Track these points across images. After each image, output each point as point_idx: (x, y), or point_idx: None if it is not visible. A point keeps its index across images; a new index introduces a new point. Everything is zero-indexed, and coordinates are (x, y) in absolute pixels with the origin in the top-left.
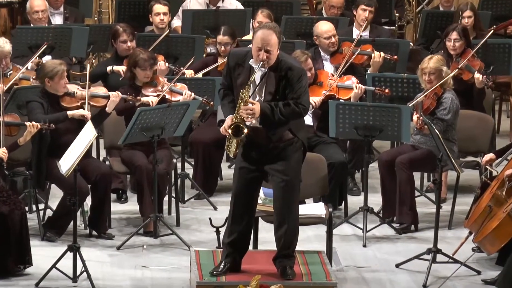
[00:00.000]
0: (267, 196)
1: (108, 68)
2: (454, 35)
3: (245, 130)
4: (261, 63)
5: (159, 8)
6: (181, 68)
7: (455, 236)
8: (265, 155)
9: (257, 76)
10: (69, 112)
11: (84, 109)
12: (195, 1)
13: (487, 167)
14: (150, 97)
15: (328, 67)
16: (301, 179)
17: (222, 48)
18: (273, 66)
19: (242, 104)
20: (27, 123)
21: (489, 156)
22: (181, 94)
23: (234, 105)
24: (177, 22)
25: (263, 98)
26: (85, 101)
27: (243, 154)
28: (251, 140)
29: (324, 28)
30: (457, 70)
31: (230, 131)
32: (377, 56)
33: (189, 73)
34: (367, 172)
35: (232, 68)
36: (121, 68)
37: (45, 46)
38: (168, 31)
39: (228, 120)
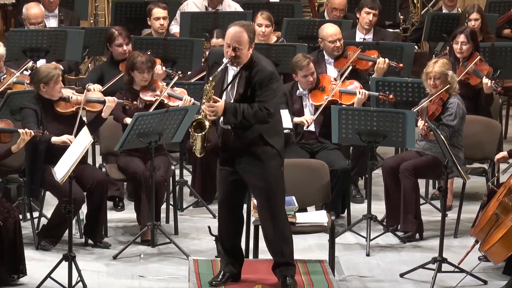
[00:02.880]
0: None
1: (87, 86)
2: (461, 38)
3: (207, 127)
4: (228, 60)
5: (158, 12)
6: (179, 72)
7: (461, 244)
8: (239, 157)
9: (230, 75)
10: (53, 139)
11: (79, 115)
12: (193, 4)
13: (501, 164)
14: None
15: (332, 71)
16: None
17: None
18: (245, 66)
19: (205, 100)
20: (20, 130)
21: (502, 154)
22: (180, 99)
23: None
24: (175, 28)
25: (232, 98)
26: (80, 106)
27: (220, 156)
28: (223, 142)
29: (329, 31)
30: (463, 74)
31: (191, 128)
32: (382, 63)
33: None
34: (371, 179)
35: (211, 67)
36: (94, 87)
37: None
38: (166, 35)
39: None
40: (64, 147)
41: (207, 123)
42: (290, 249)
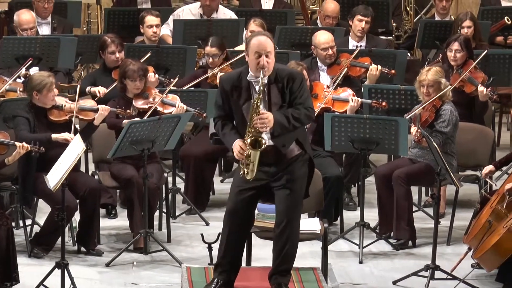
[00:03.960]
0: (261, 211)
1: (87, 89)
2: (455, 45)
3: (264, 141)
4: (262, 71)
5: (151, 20)
6: (171, 80)
7: (454, 252)
8: (272, 173)
9: (257, 88)
10: (53, 135)
11: (72, 123)
12: (188, 11)
13: (487, 180)
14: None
15: (325, 78)
16: (308, 194)
17: (210, 59)
18: (272, 77)
19: (255, 115)
20: (17, 143)
21: (489, 168)
22: (173, 106)
23: (237, 131)
24: (164, 30)
25: (269, 111)
26: (74, 114)
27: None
28: (259, 161)
29: (322, 38)
30: (458, 82)
31: (248, 144)
32: (374, 69)
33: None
34: (364, 186)
35: (229, 93)
36: (97, 89)
37: (30, 61)
38: (158, 43)
39: (240, 142)
40: (56, 155)
41: (264, 141)
42: (294, 258)
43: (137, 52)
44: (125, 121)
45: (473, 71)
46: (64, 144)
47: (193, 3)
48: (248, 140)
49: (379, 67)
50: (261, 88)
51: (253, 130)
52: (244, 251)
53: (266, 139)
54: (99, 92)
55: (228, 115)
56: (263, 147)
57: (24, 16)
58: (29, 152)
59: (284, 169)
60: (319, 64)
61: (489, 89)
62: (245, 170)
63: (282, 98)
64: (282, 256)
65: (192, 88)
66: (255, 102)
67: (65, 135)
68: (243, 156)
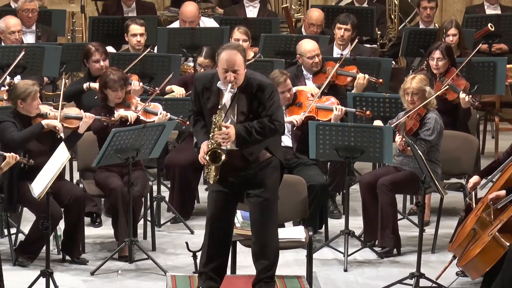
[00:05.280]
0: (245, 219)
1: (85, 85)
2: (437, 53)
3: (223, 156)
4: (230, 85)
5: (135, 29)
6: (156, 88)
7: (438, 260)
8: (243, 177)
9: (226, 97)
10: (44, 122)
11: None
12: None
13: (472, 192)
14: (130, 112)
15: (311, 86)
16: (278, 197)
17: (202, 70)
18: (242, 85)
19: (216, 129)
20: (7, 154)
21: (474, 180)
22: (155, 114)
23: (207, 130)
24: None
25: (235, 119)
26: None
27: (219, 178)
28: (228, 164)
29: (307, 47)
30: (441, 90)
31: (207, 157)
32: (362, 78)
33: (180, 92)
34: (348, 194)
35: (200, 93)
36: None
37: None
38: (143, 52)
39: (204, 147)
40: (41, 164)
41: (223, 156)
42: (276, 265)
43: (121, 61)
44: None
45: (455, 78)
46: (49, 153)
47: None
48: (208, 152)
49: (367, 76)
50: (222, 103)
51: (214, 142)
52: (229, 259)
53: (229, 148)
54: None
55: (201, 112)
56: (220, 162)
57: (11, 20)
58: (17, 162)
59: (255, 174)
60: (305, 72)
61: (471, 96)
62: (208, 173)
63: (251, 108)
64: (265, 265)
65: (175, 96)
66: (216, 119)
67: (55, 122)
68: (205, 161)
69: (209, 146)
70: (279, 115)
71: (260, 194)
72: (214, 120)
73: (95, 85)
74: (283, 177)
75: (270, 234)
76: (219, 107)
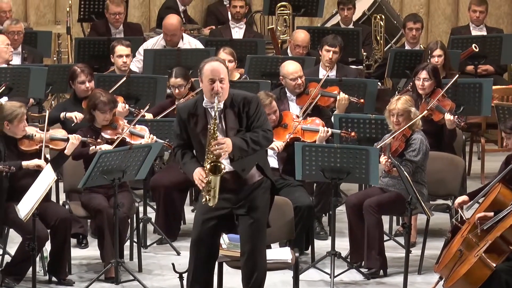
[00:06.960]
0: (232, 241)
1: (62, 115)
2: (423, 74)
3: (223, 166)
4: (217, 97)
5: (121, 50)
6: (141, 110)
7: (425, 281)
8: (234, 201)
9: (214, 115)
10: (24, 163)
11: (42, 152)
12: (153, 43)
13: (459, 209)
14: (105, 146)
15: (294, 108)
16: (269, 224)
17: (176, 90)
18: (227, 102)
19: (212, 140)
20: None
21: (462, 198)
22: (142, 137)
23: (197, 160)
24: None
25: (226, 135)
26: (43, 144)
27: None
28: (220, 187)
29: (290, 68)
30: (426, 111)
31: (208, 170)
32: (343, 99)
33: (148, 116)
34: (335, 215)
35: (186, 120)
36: (74, 115)
37: (3, 87)
38: (128, 73)
39: (200, 170)
40: (27, 185)
41: (222, 165)
42: (263, 285)
43: (107, 82)
44: (92, 147)
45: (441, 99)
46: (35, 174)
47: (156, 37)
48: (208, 166)
49: (346, 96)
50: (216, 113)
51: (211, 156)
52: (215, 280)
53: (226, 164)
54: (76, 118)
55: (187, 144)
56: (222, 172)
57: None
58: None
59: (246, 196)
60: (288, 94)
61: (456, 116)
62: (207, 197)
63: (239, 123)
64: (251, 285)
65: (161, 118)
66: (211, 128)
67: (36, 161)
68: (204, 183)
69: (207, 161)
70: (269, 124)
71: (250, 215)
72: (209, 131)
73: (71, 114)
74: (274, 200)
75: (258, 256)
76: (213, 117)
